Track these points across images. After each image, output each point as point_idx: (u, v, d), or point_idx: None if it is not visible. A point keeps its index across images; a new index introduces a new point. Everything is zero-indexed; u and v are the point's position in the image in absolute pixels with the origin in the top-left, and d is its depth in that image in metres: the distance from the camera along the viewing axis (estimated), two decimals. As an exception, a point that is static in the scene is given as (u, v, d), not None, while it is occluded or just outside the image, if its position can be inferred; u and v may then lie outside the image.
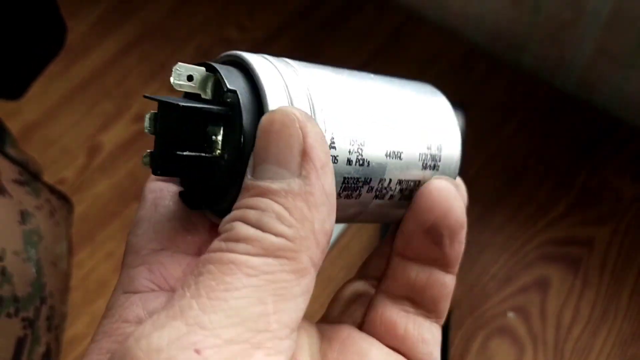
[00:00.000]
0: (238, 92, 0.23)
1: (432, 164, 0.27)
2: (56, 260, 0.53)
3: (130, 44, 0.81)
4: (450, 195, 0.26)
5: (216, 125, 0.23)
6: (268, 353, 0.20)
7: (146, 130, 0.25)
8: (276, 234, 0.21)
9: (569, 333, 0.61)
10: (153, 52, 0.80)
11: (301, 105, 0.24)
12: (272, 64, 0.24)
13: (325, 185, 0.22)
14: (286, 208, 0.22)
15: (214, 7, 0.83)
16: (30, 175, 0.53)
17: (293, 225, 0.21)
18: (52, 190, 0.56)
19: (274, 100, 0.23)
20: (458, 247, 0.27)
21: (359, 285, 0.30)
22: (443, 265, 0.27)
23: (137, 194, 0.55)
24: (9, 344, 0.46)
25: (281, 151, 0.22)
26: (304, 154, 0.22)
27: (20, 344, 0.46)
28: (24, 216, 0.49)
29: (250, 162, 0.23)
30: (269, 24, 0.82)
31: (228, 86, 0.23)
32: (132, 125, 0.74)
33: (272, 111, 0.23)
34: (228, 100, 0.23)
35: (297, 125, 0.22)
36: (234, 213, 0.22)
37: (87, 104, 0.76)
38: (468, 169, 0.68)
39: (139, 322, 0.23)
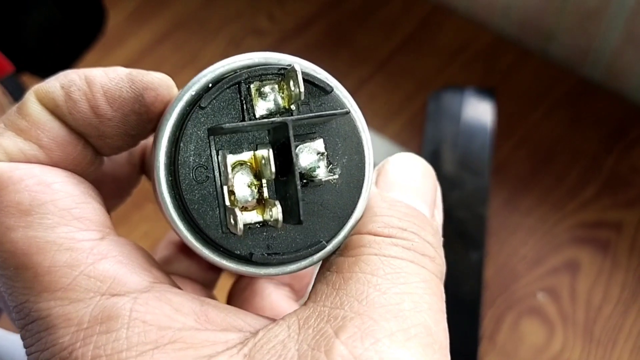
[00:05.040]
0: None
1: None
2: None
3: (164, 34, 0.83)
4: None
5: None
6: None
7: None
8: None
9: (599, 313, 0.62)
10: (186, 43, 0.82)
11: None
12: None
13: None
14: None
15: (245, -2, 0.85)
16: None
17: None
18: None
19: None
20: None
21: None
22: None
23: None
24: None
25: None
26: None
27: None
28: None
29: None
30: (299, 13, 0.84)
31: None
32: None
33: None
34: None
35: None
36: None
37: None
38: (497, 154, 0.69)
39: None
